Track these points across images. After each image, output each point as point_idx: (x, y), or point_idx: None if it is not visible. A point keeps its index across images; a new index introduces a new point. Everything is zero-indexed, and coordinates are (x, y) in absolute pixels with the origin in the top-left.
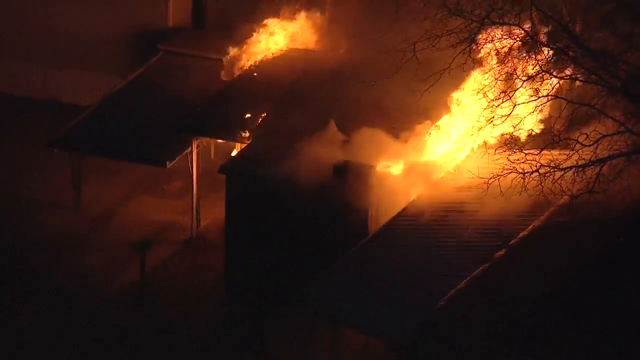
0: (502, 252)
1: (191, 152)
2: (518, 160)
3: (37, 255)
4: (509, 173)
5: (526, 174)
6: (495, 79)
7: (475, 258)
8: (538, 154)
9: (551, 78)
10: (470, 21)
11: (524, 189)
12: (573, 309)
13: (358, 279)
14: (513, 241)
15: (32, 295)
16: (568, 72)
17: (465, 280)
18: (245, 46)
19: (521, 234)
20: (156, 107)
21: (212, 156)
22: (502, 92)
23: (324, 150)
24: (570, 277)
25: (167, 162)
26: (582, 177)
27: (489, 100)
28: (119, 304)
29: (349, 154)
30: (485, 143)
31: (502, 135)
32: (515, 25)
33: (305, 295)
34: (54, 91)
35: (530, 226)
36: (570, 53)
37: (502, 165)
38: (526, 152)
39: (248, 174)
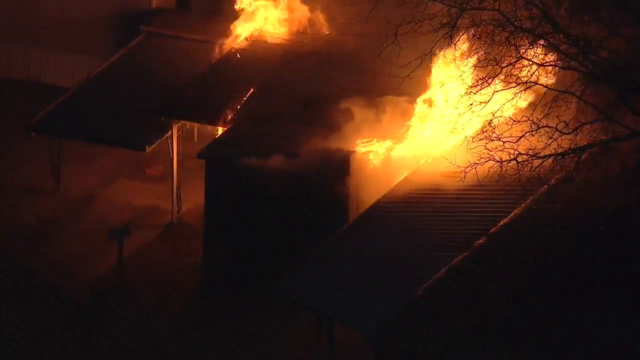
0: (481, 241)
1: (171, 136)
2: (496, 148)
3: (13, 241)
4: (486, 161)
5: (504, 162)
6: (474, 65)
7: (454, 247)
8: (516, 142)
9: (531, 65)
10: (449, 7)
11: (501, 177)
12: (551, 299)
13: (335, 268)
14: (493, 229)
15: (7, 282)
16: (548, 58)
17: (444, 270)
18: (229, 28)
19: (501, 222)
20: (137, 90)
21: (196, 139)
22: (480, 78)
23: (304, 135)
24: (548, 267)
25: (147, 147)
26: (561, 165)
27: (467, 86)
28: (96, 291)
29: (329, 139)
30: (464, 130)
31: (482, 123)
32: (495, 10)
33: (282, 285)
34: (35, 72)
35: (511, 214)
36: (551, 39)
37: (480, 153)
38: (504, 139)
39: (227, 159)
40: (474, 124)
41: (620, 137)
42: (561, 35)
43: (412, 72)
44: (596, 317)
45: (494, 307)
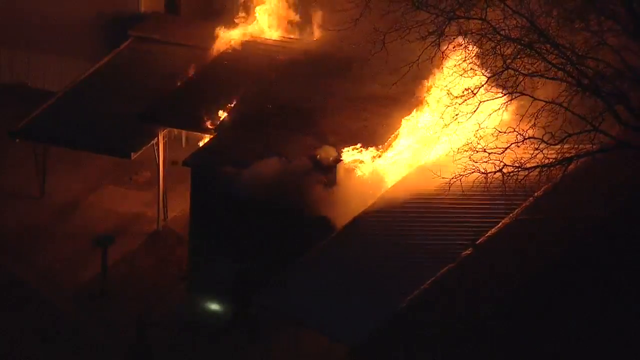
0: (468, 251)
1: (157, 142)
2: (481, 159)
3: None
4: (471, 173)
5: (489, 174)
6: (460, 74)
7: (441, 257)
8: (501, 153)
9: (517, 75)
10: (435, 15)
11: (486, 189)
12: (538, 311)
13: (319, 279)
14: (480, 240)
15: None
16: (535, 68)
17: (429, 281)
18: (217, 33)
19: (488, 233)
20: (123, 95)
21: (184, 145)
22: (466, 89)
23: (292, 143)
24: (535, 278)
25: (132, 154)
26: (547, 176)
27: (452, 97)
28: (79, 301)
29: (316, 147)
30: (449, 141)
31: (467, 134)
32: (481, 20)
33: (264, 296)
34: (22, 75)
35: (498, 225)
36: (537, 49)
37: (465, 165)
38: (489, 151)
39: (213, 167)
40: (460, 135)
41: (607, 148)
42: (548, 45)
43: (400, 80)
44: (584, 328)
45: (480, 318)
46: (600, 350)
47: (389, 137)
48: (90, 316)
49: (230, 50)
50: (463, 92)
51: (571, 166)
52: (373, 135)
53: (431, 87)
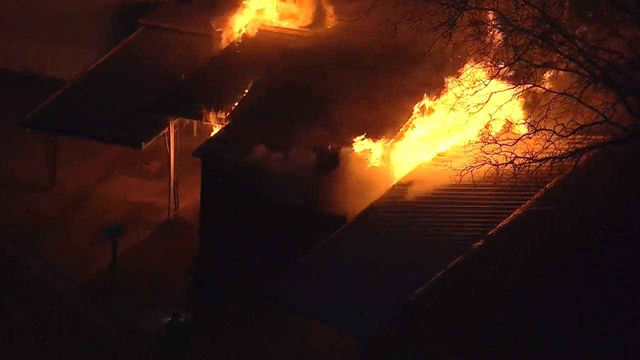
0: (479, 243)
1: (168, 132)
2: (492, 151)
3: (7, 239)
4: (482, 165)
5: (500, 166)
6: (472, 65)
7: (451, 249)
8: (512, 145)
9: (529, 66)
10: (446, 6)
11: (497, 180)
12: (547, 303)
13: (329, 271)
14: (491, 231)
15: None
16: (546, 59)
17: (439, 273)
18: (229, 21)
19: (499, 224)
20: (134, 85)
21: (195, 134)
22: (477, 80)
23: (302, 133)
24: (545, 273)
25: (143, 144)
26: (559, 168)
27: (464, 88)
28: (89, 291)
29: (328, 137)
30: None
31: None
32: (493, 10)
33: (274, 288)
34: (33, 65)
35: (509, 216)
36: (549, 39)
37: (476, 156)
38: (500, 142)
39: (223, 158)
40: (471, 126)
41: (619, 140)
42: (560, 36)
43: (412, 70)
44: (593, 321)
45: (490, 310)
46: (610, 344)
47: (401, 128)
48: (99, 309)
49: (241, 40)
50: (474, 82)
51: (583, 158)
52: (384, 126)
53: (444, 78)
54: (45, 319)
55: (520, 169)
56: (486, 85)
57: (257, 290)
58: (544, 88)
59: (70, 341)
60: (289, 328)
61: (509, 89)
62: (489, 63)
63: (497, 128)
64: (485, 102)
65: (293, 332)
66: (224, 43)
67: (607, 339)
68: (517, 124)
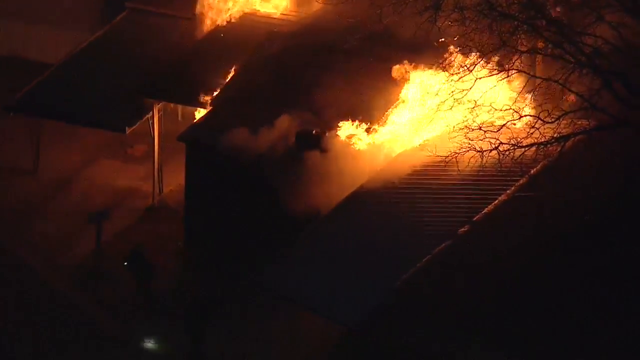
0: (465, 228)
1: (152, 116)
2: (477, 137)
3: None
4: (467, 151)
5: (484, 152)
6: (457, 51)
7: (437, 235)
8: (497, 131)
9: (514, 52)
10: None
11: (482, 166)
12: (534, 289)
13: (316, 258)
14: (476, 217)
15: None
16: (532, 45)
17: (426, 258)
18: (214, 5)
19: (484, 210)
20: (119, 68)
21: (180, 118)
22: (462, 65)
23: (286, 118)
24: (532, 256)
25: (127, 128)
26: (544, 153)
27: (449, 74)
28: (73, 277)
29: (312, 121)
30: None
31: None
32: None
33: (262, 276)
34: (18, 47)
35: (494, 202)
36: (535, 25)
37: (460, 143)
38: (485, 129)
39: (207, 142)
40: (456, 112)
41: (604, 126)
42: (545, 22)
43: (396, 55)
44: (580, 306)
45: (477, 297)
46: (597, 332)
47: (385, 113)
48: (84, 294)
49: (227, 24)
50: (459, 68)
51: (568, 144)
52: (369, 111)
53: (428, 63)
54: (31, 303)
55: (505, 156)
56: (471, 71)
57: (244, 276)
58: (528, 74)
59: (57, 325)
60: (278, 311)
61: (493, 74)
62: (473, 49)
63: (481, 115)
64: (470, 88)
65: (283, 316)
66: (209, 27)
67: (596, 323)
68: (501, 110)
